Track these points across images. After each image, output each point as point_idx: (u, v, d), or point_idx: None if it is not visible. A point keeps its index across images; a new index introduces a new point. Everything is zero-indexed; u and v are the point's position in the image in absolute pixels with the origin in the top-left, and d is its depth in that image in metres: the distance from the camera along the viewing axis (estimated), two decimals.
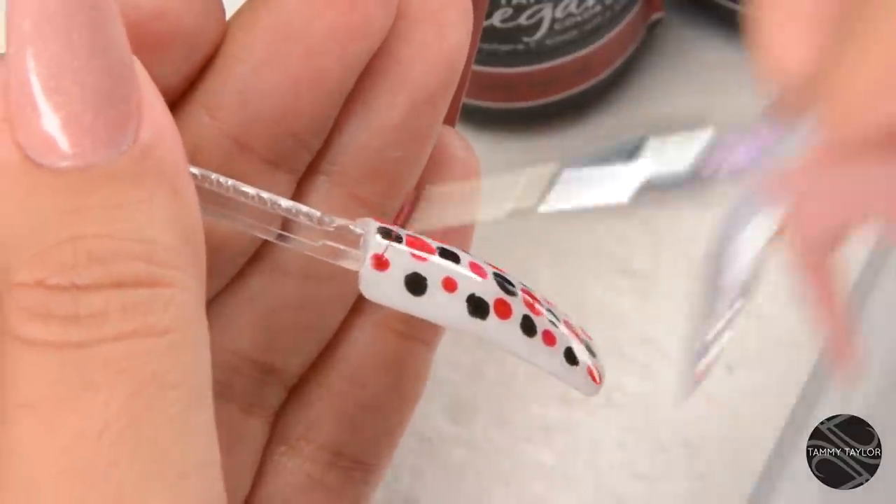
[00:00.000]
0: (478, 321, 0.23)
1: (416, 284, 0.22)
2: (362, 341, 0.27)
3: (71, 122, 0.18)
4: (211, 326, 0.25)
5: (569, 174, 0.21)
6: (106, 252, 0.18)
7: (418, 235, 0.23)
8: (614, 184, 0.20)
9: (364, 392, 0.27)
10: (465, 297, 0.23)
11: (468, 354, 0.36)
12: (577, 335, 0.24)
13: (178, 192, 0.19)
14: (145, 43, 0.22)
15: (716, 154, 0.21)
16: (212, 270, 0.24)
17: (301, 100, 0.23)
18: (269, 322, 0.25)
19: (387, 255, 0.22)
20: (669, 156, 0.21)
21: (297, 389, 0.27)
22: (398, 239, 0.22)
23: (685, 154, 0.21)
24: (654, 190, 0.21)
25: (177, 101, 0.24)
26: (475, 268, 0.23)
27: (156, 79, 0.22)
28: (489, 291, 0.23)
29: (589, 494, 0.35)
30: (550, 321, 0.23)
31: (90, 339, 0.17)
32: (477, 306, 0.23)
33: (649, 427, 0.35)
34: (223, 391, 0.25)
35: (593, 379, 0.24)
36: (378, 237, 0.22)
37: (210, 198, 0.22)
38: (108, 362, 0.17)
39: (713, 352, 0.23)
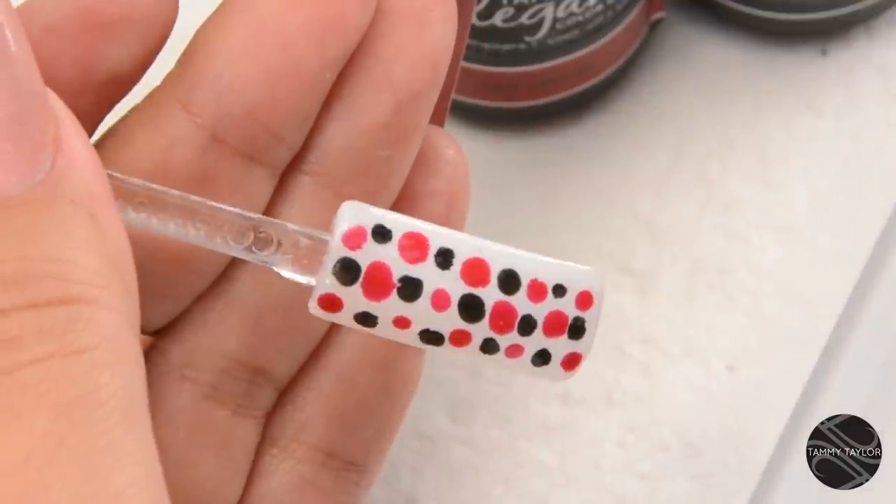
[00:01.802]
0: (433, 347, 0.23)
1: (366, 320, 0.22)
2: (352, 342, 0.26)
3: None
4: (198, 328, 0.25)
5: None
6: (20, 274, 0.17)
7: (416, 231, 0.22)
8: None
9: (355, 392, 0.27)
10: (416, 332, 0.22)
11: None
12: (558, 328, 0.23)
13: (96, 217, 0.18)
14: (98, 26, 0.22)
15: None
16: (195, 268, 0.24)
17: (276, 94, 0.23)
18: (258, 323, 0.25)
19: (338, 295, 0.22)
20: None
21: (287, 391, 0.27)
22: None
23: None
24: None
25: (152, 95, 0.24)
26: (438, 299, 0.22)
27: (112, 62, 0.22)
28: (446, 324, 0.22)
29: (589, 494, 0.35)
30: (522, 329, 0.23)
31: (9, 364, 0.17)
32: (430, 338, 0.22)
33: (649, 427, 0.35)
34: (213, 394, 0.25)
35: (566, 368, 0.23)
36: (331, 278, 0.22)
37: (173, 211, 0.22)
38: (28, 387, 0.17)
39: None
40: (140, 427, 0.18)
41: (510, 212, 0.38)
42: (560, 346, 0.23)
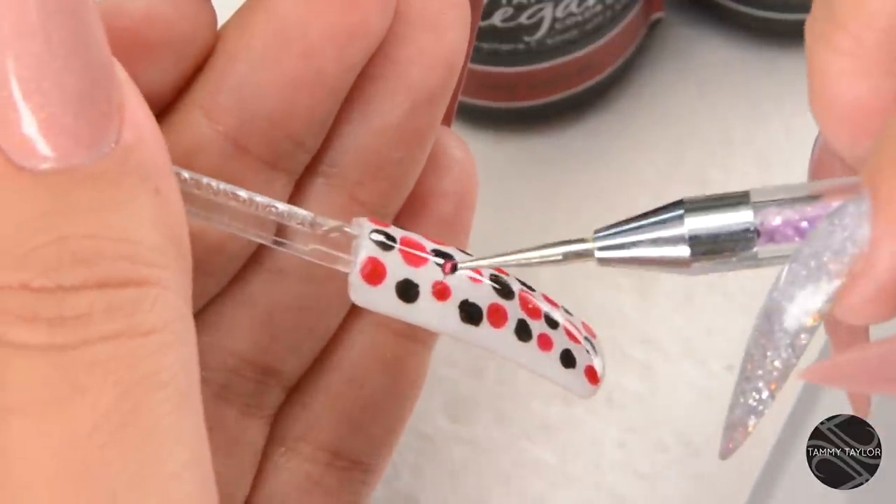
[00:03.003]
0: (470, 328, 0.23)
1: (407, 291, 0.22)
2: (361, 342, 0.27)
3: (51, 124, 0.18)
4: (210, 328, 0.25)
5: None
6: (90, 252, 0.18)
7: (412, 235, 0.23)
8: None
9: (362, 393, 0.27)
10: (457, 304, 0.22)
11: (468, 353, 0.36)
12: (576, 335, 0.24)
13: (160, 192, 0.19)
14: (136, 48, 0.22)
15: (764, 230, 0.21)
16: (210, 271, 0.24)
17: (298, 101, 0.23)
18: (268, 324, 0.25)
19: (380, 260, 0.22)
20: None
21: (295, 390, 0.27)
22: (392, 239, 0.22)
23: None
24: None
25: (171, 103, 0.24)
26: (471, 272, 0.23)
27: (148, 83, 0.22)
28: (483, 296, 0.22)
29: (589, 493, 0.35)
30: (548, 322, 0.23)
31: (76, 340, 0.17)
32: (469, 313, 0.22)
33: (649, 427, 0.35)
34: (222, 393, 0.25)
35: (590, 380, 0.24)
36: (371, 243, 0.22)
37: (202, 202, 0.22)
38: (94, 364, 0.17)
39: (752, 420, 0.22)
40: (195, 410, 0.18)
41: (510, 211, 0.38)
42: (581, 353, 0.23)
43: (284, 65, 0.23)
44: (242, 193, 0.22)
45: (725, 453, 0.22)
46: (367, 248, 0.22)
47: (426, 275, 0.22)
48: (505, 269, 0.23)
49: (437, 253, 0.23)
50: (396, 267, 0.22)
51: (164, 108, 0.24)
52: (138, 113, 0.19)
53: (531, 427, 0.35)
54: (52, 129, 0.18)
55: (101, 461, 0.17)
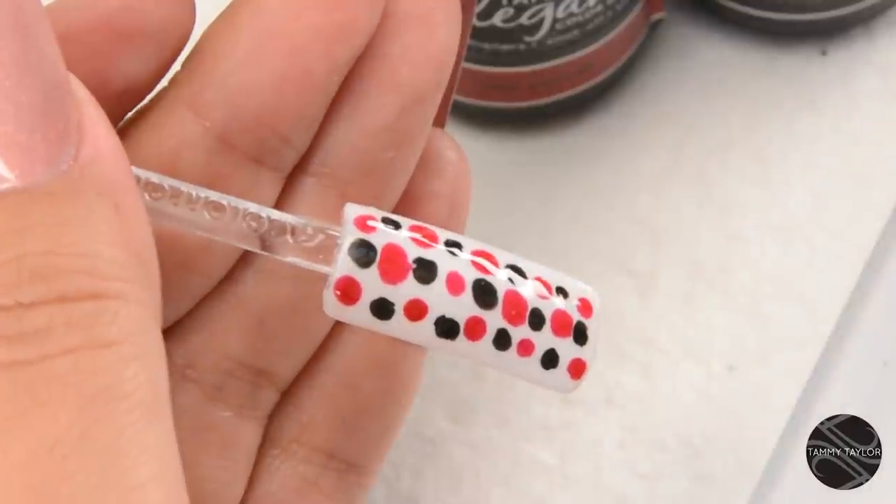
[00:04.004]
0: (446, 342, 0.22)
1: (381, 310, 0.22)
2: (354, 343, 0.27)
3: (7, 144, 0.18)
4: (203, 330, 0.25)
5: None
6: (48, 268, 0.18)
7: (423, 225, 0.22)
8: None
9: (357, 394, 0.27)
10: (433, 321, 0.22)
11: None
12: (565, 328, 0.23)
13: (120, 208, 0.19)
14: (115, 37, 0.22)
15: None
16: (198, 269, 0.24)
17: (285, 98, 0.23)
18: (261, 325, 0.25)
19: (355, 279, 0.22)
20: None
21: (289, 392, 0.27)
22: (373, 249, 0.22)
23: None
24: None
25: (157, 100, 0.24)
26: (452, 282, 0.22)
27: (129, 72, 0.22)
28: (462, 310, 0.22)
29: (589, 494, 0.35)
30: (533, 324, 0.23)
31: (36, 355, 0.17)
32: (445, 329, 0.22)
33: (649, 427, 0.35)
34: (216, 395, 0.25)
35: (573, 375, 0.23)
36: (348, 260, 0.22)
37: (182, 209, 0.22)
38: (54, 378, 0.17)
39: None
40: (162, 421, 0.18)
41: (510, 212, 0.38)
42: (567, 348, 0.23)
43: (270, 62, 0.23)
44: (224, 201, 0.22)
45: None
46: (343, 267, 0.22)
47: (403, 292, 0.22)
48: (494, 255, 0.23)
49: (449, 242, 0.22)
50: (373, 285, 0.22)
51: (145, 97, 0.24)
52: (97, 129, 0.19)
53: (531, 428, 0.35)
54: (7, 150, 0.18)
55: (63, 474, 0.17)
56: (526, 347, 0.23)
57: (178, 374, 0.25)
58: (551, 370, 0.23)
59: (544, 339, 0.23)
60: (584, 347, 0.23)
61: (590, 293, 0.24)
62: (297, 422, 0.27)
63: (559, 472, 0.35)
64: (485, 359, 0.23)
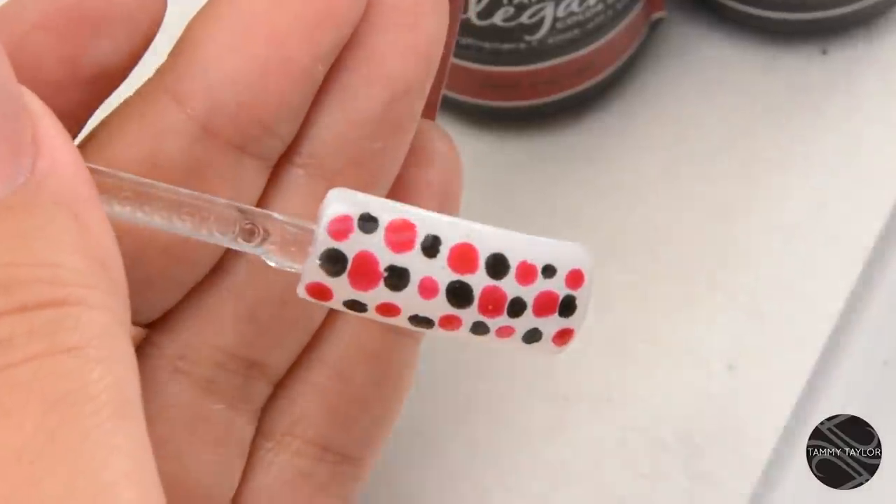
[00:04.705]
0: (422, 329, 0.23)
1: (356, 306, 0.22)
2: (347, 335, 0.27)
3: None
4: (195, 322, 0.25)
5: None
6: (8, 280, 0.18)
7: (404, 217, 0.22)
8: None
9: (350, 386, 0.27)
10: (406, 317, 0.22)
11: (468, 352, 0.36)
12: (550, 306, 0.23)
13: (80, 217, 0.19)
14: (84, 22, 0.22)
15: None
16: (185, 258, 0.24)
17: (266, 86, 0.23)
18: (253, 317, 0.25)
19: (326, 285, 0.22)
20: None
21: (282, 384, 0.27)
22: (342, 260, 0.22)
23: None
24: None
25: (143, 90, 0.24)
26: (425, 287, 0.22)
27: (102, 58, 0.22)
28: (434, 310, 0.22)
29: (589, 494, 0.35)
30: (512, 312, 0.23)
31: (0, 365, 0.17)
32: (419, 322, 0.23)
33: (649, 426, 0.35)
34: (208, 387, 0.25)
35: (558, 343, 0.23)
36: (316, 268, 0.22)
37: (158, 207, 0.22)
38: (17, 385, 0.17)
39: None
40: (132, 421, 0.18)
41: (510, 212, 0.38)
42: (551, 324, 0.23)
43: (251, 50, 0.23)
44: (196, 202, 0.22)
45: None
46: (310, 273, 0.22)
47: (374, 296, 0.22)
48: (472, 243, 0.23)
49: (427, 239, 0.22)
50: (343, 290, 0.22)
51: (120, 83, 0.24)
52: (54, 141, 0.19)
53: (531, 427, 0.35)
54: None
55: (32, 479, 0.17)
56: (505, 331, 0.23)
57: (170, 367, 0.25)
58: (534, 343, 0.23)
59: (525, 322, 0.23)
60: (572, 317, 0.23)
61: (580, 258, 0.23)
62: (291, 414, 0.27)
63: (559, 471, 0.35)
64: (462, 340, 0.23)
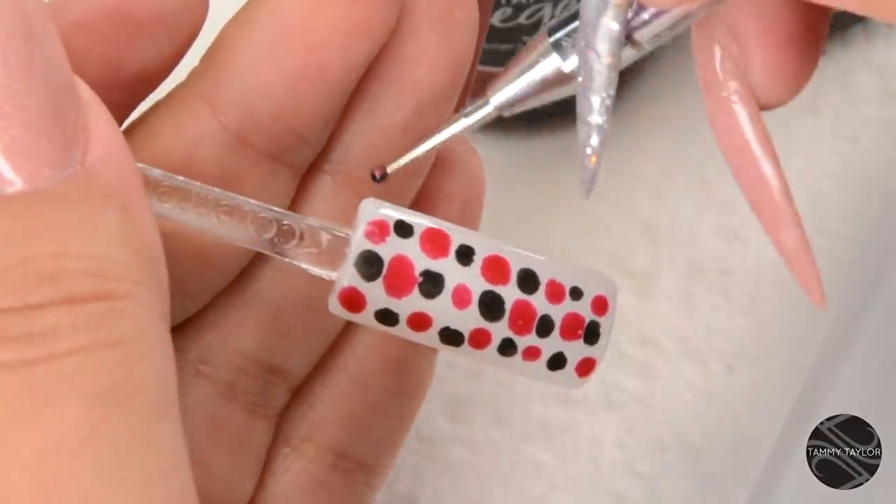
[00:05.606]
0: (450, 347, 0.22)
1: (386, 319, 0.22)
2: (366, 343, 0.26)
3: (14, 148, 0.18)
4: (217, 326, 0.25)
5: None
6: (56, 270, 0.18)
7: (437, 227, 0.22)
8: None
9: (368, 394, 0.27)
10: (437, 331, 0.22)
11: None
12: (575, 331, 0.23)
13: (128, 210, 0.19)
14: (129, 25, 0.22)
15: None
16: (214, 265, 0.24)
17: (301, 96, 0.23)
18: (275, 323, 0.25)
19: (359, 290, 0.22)
20: None
21: (301, 391, 0.27)
22: (380, 263, 0.22)
23: None
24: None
25: (174, 95, 0.24)
26: (459, 295, 0.22)
27: (144, 60, 0.22)
28: (467, 322, 0.22)
29: (589, 494, 0.35)
30: (541, 332, 0.23)
31: (44, 356, 0.17)
32: (449, 337, 0.22)
33: (649, 427, 0.35)
34: (228, 392, 0.25)
35: (580, 374, 0.23)
36: (353, 272, 0.22)
37: (190, 213, 0.22)
38: (62, 377, 0.17)
39: (594, 137, 0.23)
40: (170, 418, 0.18)
41: (510, 212, 0.38)
42: (575, 350, 0.23)
43: (287, 60, 0.23)
44: (234, 203, 0.22)
45: (588, 186, 0.22)
46: (348, 278, 0.22)
47: (408, 305, 0.22)
48: (502, 259, 0.23)
49: (460, 249, 0.22)
50: (377, 298, 0.22)
51: (158, 85, 0.24)
52: (104, 132, 0.19)
53: (530, 428, 0.35)
54: (15, 153, 0.18)
55: (72, 471, 0.17)
56: (532, 353, 0.23)
57: (192, 371, 0.25)
58: (557, 371, 0.23)
59: (552, 344, 0.23)
60: (595, 346, 0.23)
61: (605, 286, 0.23)
62: (310, 420, 0.27)
63: (558, 472, 0.35)
64: (488, 363, 0.23)
